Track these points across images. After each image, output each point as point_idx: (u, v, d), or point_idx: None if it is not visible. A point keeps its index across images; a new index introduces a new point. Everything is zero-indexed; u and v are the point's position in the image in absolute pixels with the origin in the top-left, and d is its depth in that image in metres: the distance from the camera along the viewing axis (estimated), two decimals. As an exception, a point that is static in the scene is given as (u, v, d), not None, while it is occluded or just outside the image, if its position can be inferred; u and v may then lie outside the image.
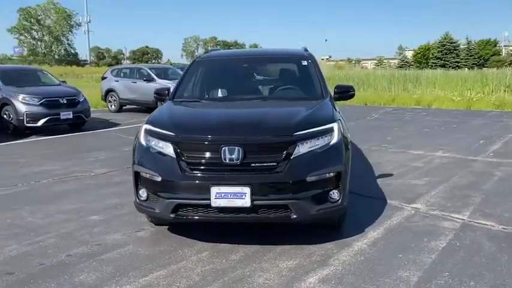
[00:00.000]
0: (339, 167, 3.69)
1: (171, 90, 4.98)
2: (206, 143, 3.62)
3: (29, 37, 70.04)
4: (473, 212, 4.73)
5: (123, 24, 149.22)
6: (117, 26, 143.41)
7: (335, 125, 3.83)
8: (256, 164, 3.55)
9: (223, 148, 3.53)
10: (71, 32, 71.77)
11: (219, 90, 5.00)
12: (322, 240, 3.96)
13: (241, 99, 4.68)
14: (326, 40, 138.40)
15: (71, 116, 10.76)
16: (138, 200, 3.90)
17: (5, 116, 10.52)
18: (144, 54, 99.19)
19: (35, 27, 69.56)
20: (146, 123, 4.03)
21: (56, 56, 70.36)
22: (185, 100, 4.70)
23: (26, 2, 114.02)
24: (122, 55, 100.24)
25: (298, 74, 5.17)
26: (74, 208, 5.05)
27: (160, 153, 3.73)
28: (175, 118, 4.01)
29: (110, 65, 55.51)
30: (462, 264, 3.50)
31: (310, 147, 3.64)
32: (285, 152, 3.56)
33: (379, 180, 6.02)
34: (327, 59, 72.70)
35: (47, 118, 10.37)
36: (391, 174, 6.37)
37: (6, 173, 6.84)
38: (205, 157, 3.60)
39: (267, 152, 3.59)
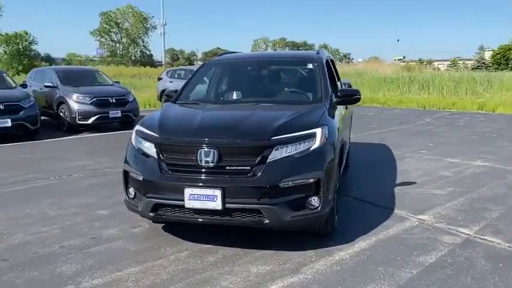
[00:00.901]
0: (319, 173, 3.59)
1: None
2: (184, 145, 3.70)
3: (108, 39, 74.53)
4: (484, 227, 4.39)
5: (196, 26, 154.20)
6: (191, 28, 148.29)
7: (318, 131, 3.73)
8: (231, 168, 3.57)
9: (200, 150, 3.58)
10: (146, 35, 75.31)
11: (219, 93, 5.06)
12: (305, 247, 3.88)
13: (237, 102, 4.71)
14: (398, 40, 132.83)
15: (119, 115, 11.37)
16: (127, 198, 4.06)
17: (61, 114, 11.35)
18: (216, 56, 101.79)
19: (114, 30, 73.90)
20: (138, 124, 4.19)
21: (133, 58, 74.23)
22: (186, 102, 4.80)
23: (107, 6, 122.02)
24: (195, 56, 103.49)
25: (300, 78, 5.10)
26: (88, 202, 5.35)
27: (144, 153, 3.86)
28: (163, 120, 4.12)
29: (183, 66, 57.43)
30: (442, 283, 3.27)
31: (288, 152, 3.58)
32: (260, 156, 3.54)
33: (397, 189, 5.76)
34: (400, 59, 70.05)
35: (96, 116, 11.04)
36: (413, 183, 6.06)
37: (46, 167, 7.39)
38: (183, 159, 3.68)
39: (242, 155, 3.59)
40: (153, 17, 74.31)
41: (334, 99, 4.63)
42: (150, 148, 3.83)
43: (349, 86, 18.60)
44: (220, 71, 5.35)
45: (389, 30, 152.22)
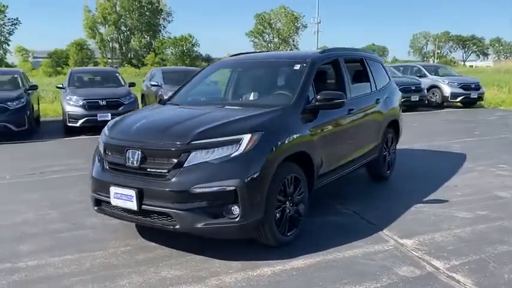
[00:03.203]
0: (235, 181, 3.40)
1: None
2: (118, 144, 3.86)
3: (261, 39, 78.41)
4: (468, 262, 3.61)
5: (352, 21, 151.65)
6: (346, 24, 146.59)
7: (246, 137, 3.52)
8: (152, 170, 3.61)
9: (128, 151, 3.71)
10: (297, 34, 77.05)
11: (199, 95, 5.07)
12: (238, 258, 3.71)
13: (206, 104, 4.70)
14: None
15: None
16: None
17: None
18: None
19: (267, 31, 77.42)
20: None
21: (283, 57, 76.78)
22: (171, 103, 4.93)
23: (262, 7, 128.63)
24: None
25: (284, 79, 4.79)
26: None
27: (99, 151, 4.14)
28: (119, 120, 4.32)
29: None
30: (335, 319, 2.84)
31: (207, 158, 3.48)
32: (177, 160, 3.51)
33: (416, 206, 5.02)
34: None
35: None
36: (444, 201, 5.21)
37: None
38: (117, 158, 3.84)
39: (162, 158, 3.59)
40: (303, 16, 75.70)
41: (312, 103, 4.26)
42: (101, 146, 4.09)
43: (476, 85, 16.55)
44: (217, 72, 5.36)
45: None
